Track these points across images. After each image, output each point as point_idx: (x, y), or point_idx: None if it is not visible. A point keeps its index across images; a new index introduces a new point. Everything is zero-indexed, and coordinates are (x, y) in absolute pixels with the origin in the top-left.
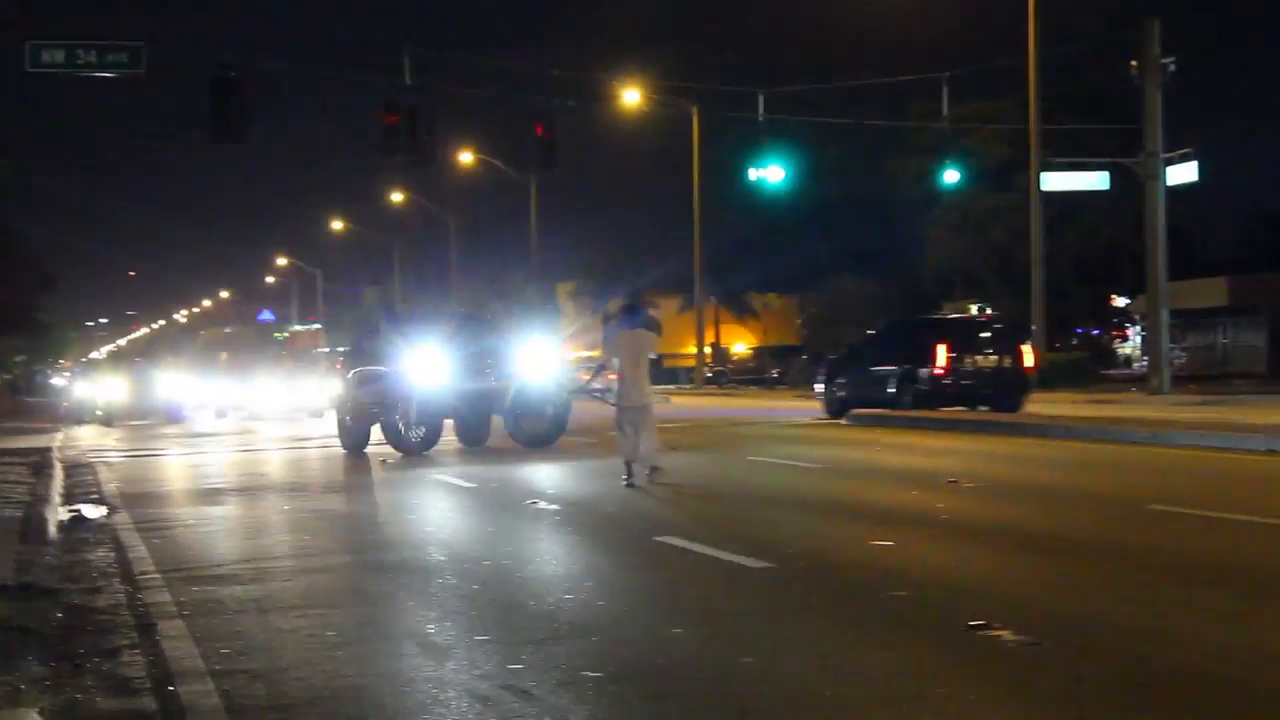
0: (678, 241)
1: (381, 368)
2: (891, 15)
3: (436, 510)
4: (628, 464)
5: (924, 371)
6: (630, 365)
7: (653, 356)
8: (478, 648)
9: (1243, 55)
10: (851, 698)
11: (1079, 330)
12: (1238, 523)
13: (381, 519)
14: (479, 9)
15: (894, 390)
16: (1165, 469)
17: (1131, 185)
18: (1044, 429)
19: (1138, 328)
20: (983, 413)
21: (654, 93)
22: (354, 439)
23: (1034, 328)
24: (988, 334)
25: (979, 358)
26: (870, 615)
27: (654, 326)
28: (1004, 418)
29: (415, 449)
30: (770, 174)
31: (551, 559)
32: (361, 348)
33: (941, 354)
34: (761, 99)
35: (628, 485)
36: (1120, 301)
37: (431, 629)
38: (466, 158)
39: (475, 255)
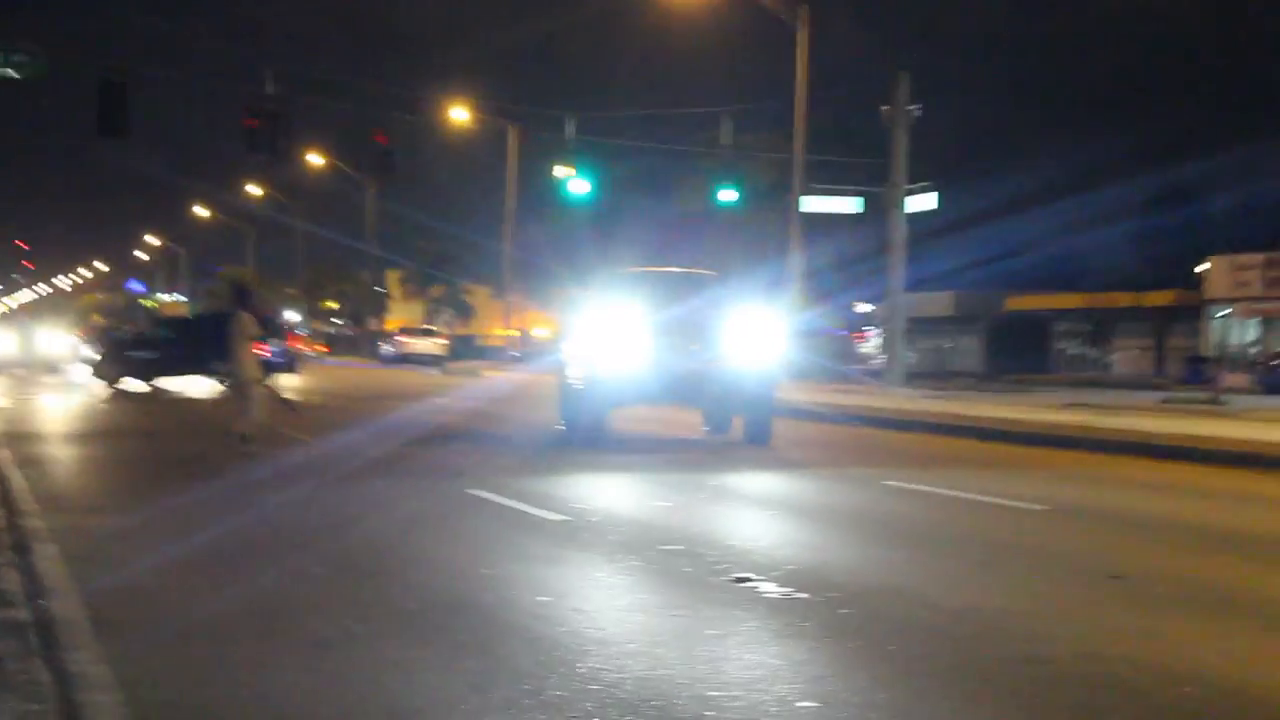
0: (494, 241)
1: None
2: (693, 61)
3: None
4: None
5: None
6: (236, 345)
7: (261, 338)
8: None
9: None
10: (636, 634)
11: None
12: (958, 499)
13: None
14: (336, 32)
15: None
16: (899, 449)
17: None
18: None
19: (878, 330)
20: None
21: (479, 112)
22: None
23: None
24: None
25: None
26: (650, 564)
27: (253, 309)
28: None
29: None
30: (576, 186)
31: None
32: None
33: None
34: (571, 123)
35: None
36: (863, 308)
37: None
38: (317, 160)
39: (320, 243)
